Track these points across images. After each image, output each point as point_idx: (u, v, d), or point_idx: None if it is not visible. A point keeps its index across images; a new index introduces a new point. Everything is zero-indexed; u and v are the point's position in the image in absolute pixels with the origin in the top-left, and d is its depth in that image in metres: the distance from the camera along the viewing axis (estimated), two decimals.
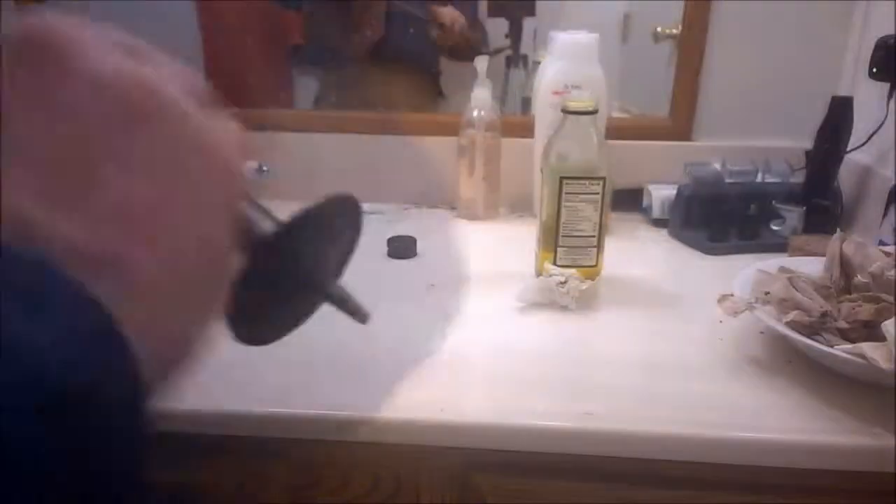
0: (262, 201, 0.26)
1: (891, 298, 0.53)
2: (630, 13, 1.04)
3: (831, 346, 0.51)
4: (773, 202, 0.88)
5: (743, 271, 0.62)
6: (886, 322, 0.49)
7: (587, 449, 0.50)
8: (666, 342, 0.61)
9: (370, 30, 1.05)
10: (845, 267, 0.59)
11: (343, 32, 1.06)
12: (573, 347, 0.60)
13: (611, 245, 0.75)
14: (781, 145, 0.96)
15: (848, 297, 0.56)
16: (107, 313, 0.17)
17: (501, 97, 1.07)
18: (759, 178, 0.91)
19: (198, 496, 0.55)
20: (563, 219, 0.70)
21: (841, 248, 0.60)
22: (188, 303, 0.20)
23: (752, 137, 0.98)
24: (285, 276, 0.26)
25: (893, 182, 0.77)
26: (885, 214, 0.77)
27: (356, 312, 0.29)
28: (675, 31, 0.97)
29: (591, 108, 0.68)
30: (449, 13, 1.04)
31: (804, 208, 0.86)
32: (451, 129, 0.97)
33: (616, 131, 0.95)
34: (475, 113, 0.92)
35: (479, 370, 0.57)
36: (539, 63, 0.99)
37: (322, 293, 0.28)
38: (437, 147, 1.00)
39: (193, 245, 0.20)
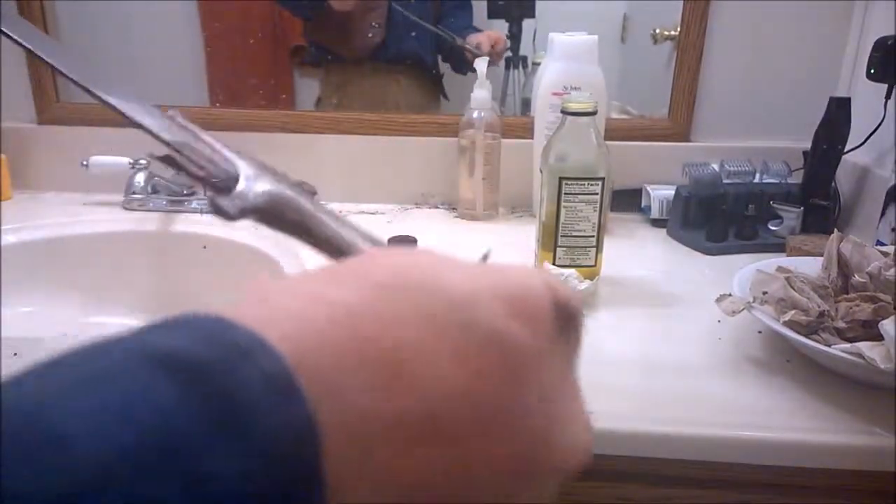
0: None
1: (888, 298, 0.53)
2: (629, 14, 1.04)
3: (829, 346, 0.51)
4: (772, 202, 0.88)
5: (741, 271, 0.63)
6: (884, 321, 0.49)
7: None
8: (665, 342, 0.61)
9: (372, 32, 1.06)
10: (843, 267, 0.60)
11: (345, 34, 1.06)
12: None
13: (610, 245, 0.75)
14: (779, 146, 0.97)
15: (846, 296, 0.57)
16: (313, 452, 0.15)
17: (501, 98, 1.07)
18: (757, 179, 0.92)
19: None
20: (562, 219, 0.70)
21: (839, 248, 0.60)
22: None
23: (750, 138, 0.99)
24: None
25: (891, 182, 0.77)
26: (882, 214, 0.77)
27: None
28: (674, 32, 0.98)
29: (590, 109, 0.68)
30: (490, 39, 1.05)
31: (802, 208, 0.86)
32: (452, 130, 0.97)
33: (615, 132, 0.95)
34: (475, 114, 0.92)
35: None
36: (538, 64, 0.99)
37: None
38: (438, 147, 1.00)
39: None
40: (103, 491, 0.12)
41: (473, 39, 1.05)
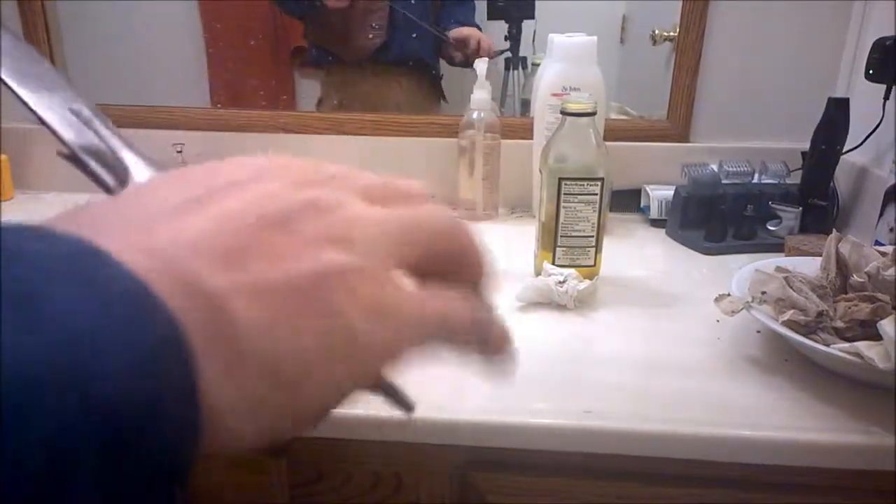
0: None
1: (887, 298, 0.54)
2: (628, 15, 1.05)
3: (828, 346, 0.52)
4: (770, 203, 0.89)
5: (740, 271, 0.63)
6: (882, 321, 0.49)
7: (586, 447, 0.50)
8: (664, 341, 0.61)
9: (373, 34, 1.06)
10: (841, 267, 0.60)
11: (345, 36, 1.07)
12: (572, 346, 0.61)
13: (609, 245, 0.75)
14: (778, 146, 0.97)
15: (844, 296, 0.57)
16: (171, 320, 0.14)
17: (501, 99, 1.07)
18: (755, 179, 0.92)
19: (199, 492, 0.55)
20: (561, 219, 0.70)
21: (837, 248, 0.60)
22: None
23: (749, 139, 0.99)
24: None
25: (889, 182, 0.77)
26: (881, 214, 0.78)
27: (402, 403, 0.28)
28: (672, 33, 0.98)
29: (589, 110, 0.69)
30: (476, 39, 1.05)
31: (801, 209, 0.87)
32: (452, 131, 0.98)
33: (614, 133, 0.96)
34: (475, 114, 0.92)
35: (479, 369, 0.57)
36: (538, 65, 1.00)
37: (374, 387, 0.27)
38: (438, 148, 1.00)
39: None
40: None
41: (453, 35, 1.06)
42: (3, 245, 0.13)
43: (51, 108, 0.27)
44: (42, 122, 0.27)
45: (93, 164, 0.26)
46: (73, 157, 0.26)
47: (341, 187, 0.20)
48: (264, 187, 0.18)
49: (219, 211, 0.17)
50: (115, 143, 0.26)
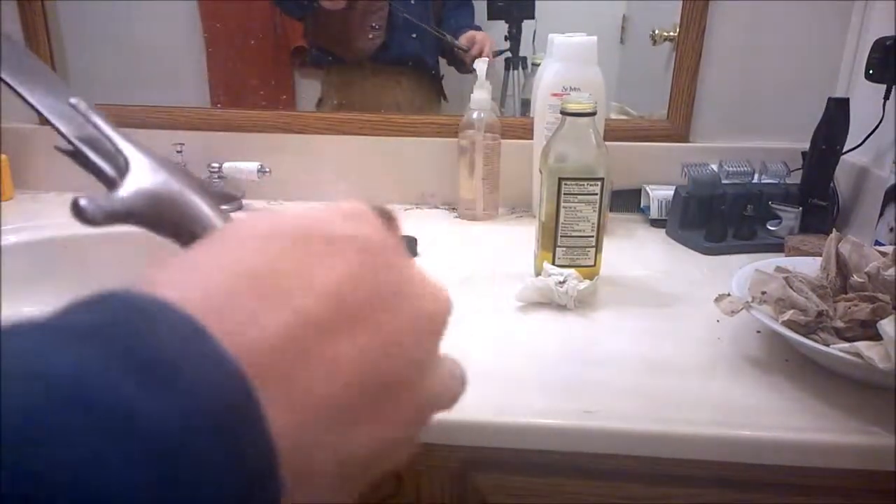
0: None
1: (887, 298, 0.54)
2: (628, 15, 1.05)
3: (828, 346, 0.52)
4: (770, 203, 0.89)
5: (740, 271, 0.63)
6: (882, 321, 0.49)
7: (586, 447, 0.50)
8: (664, 341, 0.61)
9: (373, 34, 1.06)
10: (841, 267, 0.60)
11: (345, 36, 1.07)
12: (572, 346, 0.61)
13: (609, 245, 0.75)
14: (778, 146, 0.97)
15: (844, 296, 0.57)
16: (260, 416, 0.15)
17: (501, 99, 1.07)
18: (756, 179, 0.92)
19: None
20: (561, 219, 0.70)
21: (837, 248, 0.60)
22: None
23: (749, 139, 0.99)
24: None
25: (889, 182, 0.77)
26: (881, 214, 0.78)
27: None
28: (672, 33, 0.98)
29: (589, 110, 0.69)
30: (482, 42, 1.06)
31: (801, 209, 0.87)
32: (452, 131, 0.98)
33: (614, 133, 0.96)
34: (475, 114, 0.92)
35: (479, 369, 0.57)
36: (538, 65, 1.00)
37: None
38: (438, 148, 1.00)
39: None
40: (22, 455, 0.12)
41: (464, 38, 1.06)
42: (189, 368, 0.15)
43: (50, 104, 0.27)
44: (42, 116, 0.27)
45: (93, 156, 0.27)
46: (72, 153, 0.27)
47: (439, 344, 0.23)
48: (397, 340, 0.20)
49: (349, 361, 0.18)
50: (113, 134, 0.27)
